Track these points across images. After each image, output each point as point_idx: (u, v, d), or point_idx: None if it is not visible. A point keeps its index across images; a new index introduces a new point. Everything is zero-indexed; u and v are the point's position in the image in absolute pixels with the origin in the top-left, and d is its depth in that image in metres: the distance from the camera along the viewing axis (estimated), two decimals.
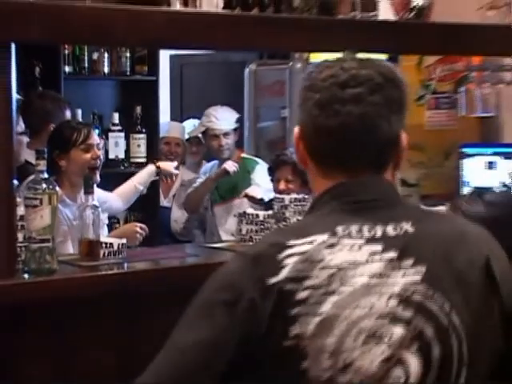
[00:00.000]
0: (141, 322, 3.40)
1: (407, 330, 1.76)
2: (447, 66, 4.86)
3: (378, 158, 1.90)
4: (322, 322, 1.75)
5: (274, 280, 1.74)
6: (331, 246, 1.79)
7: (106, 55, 5.88)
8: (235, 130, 5.46)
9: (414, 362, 1.75)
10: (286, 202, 3.88)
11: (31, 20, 3.07)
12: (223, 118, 5.44)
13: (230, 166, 5.12)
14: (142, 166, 5.49)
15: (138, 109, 5.80)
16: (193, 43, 4.04)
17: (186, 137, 5.72)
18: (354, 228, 1.82)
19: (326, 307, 1.74)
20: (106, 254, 3.43)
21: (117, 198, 4.69)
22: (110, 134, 5.69)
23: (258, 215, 3.88)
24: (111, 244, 3.46)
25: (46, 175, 3.23)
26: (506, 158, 4.85)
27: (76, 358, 3.23)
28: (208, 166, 5.51)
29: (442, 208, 3.41)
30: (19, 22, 3.04)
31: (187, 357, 1.81)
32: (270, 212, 3.92)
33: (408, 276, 1.78)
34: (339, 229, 1.81)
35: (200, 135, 5.56)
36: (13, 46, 3.02)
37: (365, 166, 1.89)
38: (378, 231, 1.83)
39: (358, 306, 1.76)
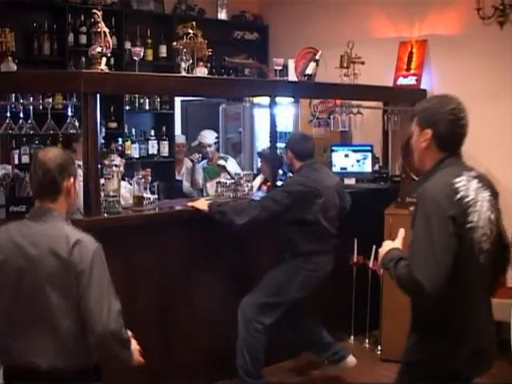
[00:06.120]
0: (166, 238, 3.78)
1: (494, 214, 2.26)
2: (324, 104, 5.43)
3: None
4: (478, 214, 2.21)
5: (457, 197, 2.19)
6: (466, 181, 2.23)
7: (147, 100, 6.33)
8: (215, 143, 5.71)
9: (493, 225, 2.25)
10: (241, 176, 4.47)
11: (108, 81, 3.56)
12: (208, 136, 5.66)
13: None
14: (166, 158, 6.21)
15: (164, 127, 6.35)
16: (192, 93, 4.79)
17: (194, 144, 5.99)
18: (466, 173, 2.25)
19: (479, 207, 2.23)
20: (146, 203, 3.86)
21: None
22: (149, 141, 6.27)
23: (226, 182, 4.43)
24: (149, 198, 3.89)
25: (115, 162, 3.72)
26: (354, 151, 5.22)
27: (131, 258, 3.63)
28: (203, 162, 5.87)
29: None
30: (101, 82, 3.51)
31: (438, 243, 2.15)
32: (232, 180, 4.45)
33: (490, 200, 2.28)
34: (465, 173, 2.26)
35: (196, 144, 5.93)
36: (97, 95, 3.46)
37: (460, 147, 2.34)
38: (473, 174, 2.28)
39: (483, 207, 2.23)
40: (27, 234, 2.32)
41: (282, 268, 3.92)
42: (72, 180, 2.42)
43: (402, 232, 2.40)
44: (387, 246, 2.36)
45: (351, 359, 4.23)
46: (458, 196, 2.17)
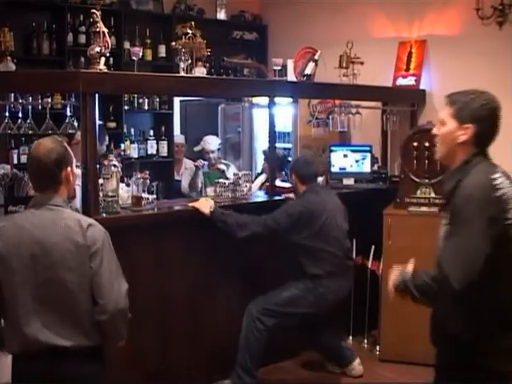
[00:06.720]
0: (165, 238, 3.80)
1: None
2: (323, 104, 5.38)
3: None
4: None
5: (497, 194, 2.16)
6: (502, 177, 2.21)
7: (146, 100, 6.35)
8: (218, 149, 5.69)
9: None
10: (240, 176, 4.41)
11: (107, 81, 3.53)
12: (212, 143, 5.67)
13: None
14: (165, 158, 6.24)
15: (163, 127, 6.37)
16: (191, 93, 4.75)
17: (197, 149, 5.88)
18: (498, 169, 2.26)
19: None
20: (145, 203, 3.83)
21: None
22: (148, 141, 6.28)
23: (225, 182, 4.40)
24: (148, 198, 3.85)
25: (114, 162, 3.70)
26: (353, 152, 5.22)
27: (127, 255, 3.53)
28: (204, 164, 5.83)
29: None
30: (100, 82, 3.47)
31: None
32: (231, 180, 4.41)
33: None
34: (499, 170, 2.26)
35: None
36: (96, 95, 3.41)
37: None
38: (501, 170, 2.26)
39: None
40: (35, 222, 2.36)
41: (296, 285, 3.97)
42: (69, 168, 2.45)
43: (412, 263, 2.36)
44: (398, 269, 2.34)
45: (359, 368, 4.36)
46: (498, 193, 2.14)
